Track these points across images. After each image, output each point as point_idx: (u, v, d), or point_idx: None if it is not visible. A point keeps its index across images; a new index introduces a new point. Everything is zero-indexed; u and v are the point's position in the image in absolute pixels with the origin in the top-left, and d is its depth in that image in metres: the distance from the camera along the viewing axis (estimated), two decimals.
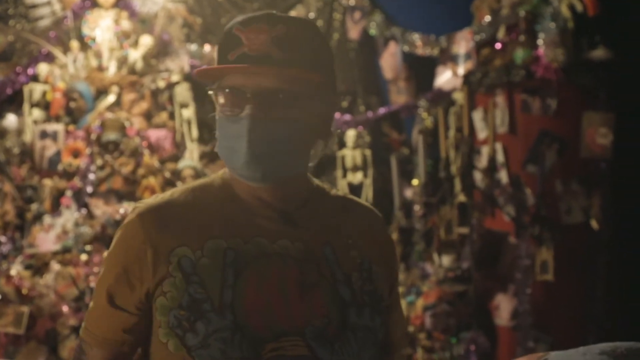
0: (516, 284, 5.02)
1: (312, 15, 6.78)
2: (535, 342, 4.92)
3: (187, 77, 6.29)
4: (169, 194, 1.65)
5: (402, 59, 6.49)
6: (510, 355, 5.06)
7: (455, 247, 5.35)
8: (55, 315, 5.25)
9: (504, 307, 5.10)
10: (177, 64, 6.33)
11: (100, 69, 6.30)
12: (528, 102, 5.07)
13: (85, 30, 6.31)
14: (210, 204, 1.63)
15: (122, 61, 6.31)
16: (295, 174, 1.61)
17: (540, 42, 5.06)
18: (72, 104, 6.22)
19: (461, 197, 5.30)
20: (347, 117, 6.56)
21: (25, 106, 6.19)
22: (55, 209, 5.89)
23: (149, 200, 1.65)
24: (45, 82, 6.23)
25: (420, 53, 6.28)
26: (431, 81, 6.16)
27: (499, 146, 5.14)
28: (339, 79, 6.40)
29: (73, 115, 6.24)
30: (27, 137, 6.13)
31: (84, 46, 6.32)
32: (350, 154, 6.42)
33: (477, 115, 5.29)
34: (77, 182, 5.96)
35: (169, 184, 5.88)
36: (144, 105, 6.27)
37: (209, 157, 6.21)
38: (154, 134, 6.22)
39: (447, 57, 6.02)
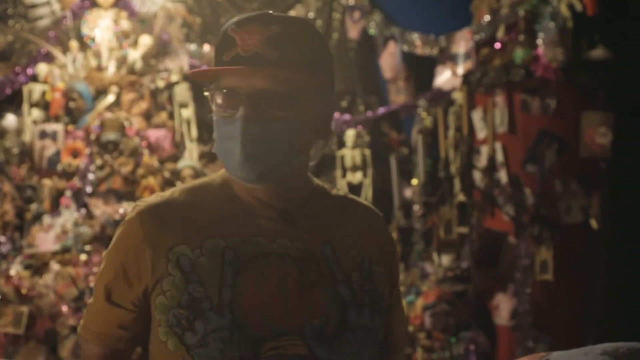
0: (516, 284, 5.03)
1: (311, 14, 6.78)
2: (534, 341, 4.92)
3: (186, 77, 6.30)
4: (169, 193, 1.66)
5: (402, 59, 6.49)
6: (510, 354, 5.06)
7: (454, 247, 5.35)
8: (54, 315, 5.25)
9: (503, 306, 5.10)
10: (177, 64, 6.33)
11: (100, 68, 6.29)
12: (527, 101, 5.07)
13: (85, 30, 6.31)
14: (209, 204, 1.63)
15: (122, 61, 6.31)
16: (292, 173, 1.61)
17: (539, 41, 5.07)
18: (72, 104, 6.22)
19: (461, 197, 5.30)
20: (347, 116, 6.56)
21: (25, 106, 6.19)
22: (55, 209, 5.89)
23: (150, 198, 1.65)
24: (45, 82, 6.23)
25: (420, 53, 6.28)
26: (430, 81, 6.16)
27: (498, 146, 5.14)
28: (339, 79, 6.42)
29: (72, 115, 6.24)
30: (27, 137, 6.13)
31: (84, 46, 6.32)
32: (350, 154, 6.42)
33: (477, 115, 5.29)
34: (76, 182, 5.96)
35: (168, 183, 5.88)
36: (143, 105, 6.27)
37: (208, 157, 6.21)
38: (154, 134, 6.22)
39: (447, 57, 6.02)
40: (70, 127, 6.17)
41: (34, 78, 6.29)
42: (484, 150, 5.21)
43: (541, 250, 4.91)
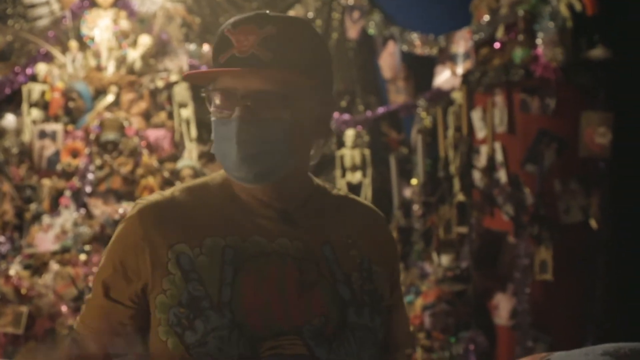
0: (515, 284, 5.03)
1: (310, 14, 6.78)
2: (534, 341, 4.92)
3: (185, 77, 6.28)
4: (169, 191, 1.66)
5: (401, 59, 6.48)
6: (510, 354, 5.06)
7: (454, 247, 5.35)
8: (54, 315, 5.25)
9: (503, 306, 5.10)
10: (176, 64, 6.32)
11: (99, 68, 6.29)
12: (527, 101, 5.07)
13: (84, 30, 6.31)
14: (209, 203, 1.64)
15: (121, 61, 6.30)
16: (291, 173, 1.61)
17: (539, 41, 5.07)
18: (71, 104, 6.21)
19: (460, 197, 5.30)
20: (346, 116, 6.55)
21: (24, 106, 6.18)
22: (54, 208, 5.88)
23: (150, 197, 1.66)
24: (44, 81, 6.22)
25: (419, 52, 6.28)
26: (430, 81, 6.16)
27: (497, 145, 5.14)
28: (338, 79, 6.42)
29: (72, 115, 6.23)
30: (26, 137, 6.12)
31: (83, 46, 6.32)
32: (349, 154, 6.41)
33: (476, 115, 5.29)
34: (76, 182, 5.96)
35: (167, 183, 5.87)
36: (142, 105, 6.27)
37: (207, 157, 6.21)
38: (153, 134, 6.21)
39: (446, 57, 6.02)
40: (70, 127, 6.17)
41: (33, 78, 6.28)
42: (484, 150, 5.21)
43: (541, 250, 4.91)
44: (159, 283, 1.56)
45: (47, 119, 6.18)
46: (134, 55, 6.29)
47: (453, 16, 5.97)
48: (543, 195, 4.97)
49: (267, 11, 1.60)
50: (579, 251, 5.00)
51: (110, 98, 6.22)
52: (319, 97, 1.61)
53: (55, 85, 6.18)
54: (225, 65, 1.57)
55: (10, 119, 6.20)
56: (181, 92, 6.26)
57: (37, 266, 5.55)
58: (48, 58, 6.31)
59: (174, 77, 6.28)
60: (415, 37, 6.25)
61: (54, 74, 6.22)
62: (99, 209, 5.86)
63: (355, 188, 6.29)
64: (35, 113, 6.16)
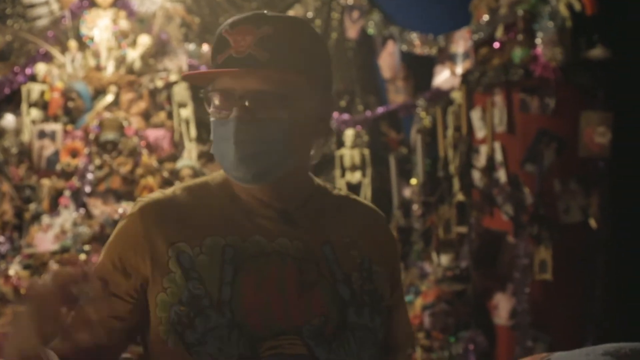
0: (515, 283, 5.03)
1: (310, 14, 6.78)
2: (534, 341, 4.92)
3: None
4: (171, 190, 1.66)
5: (401, 59, 6.48)
6: (509, 354, 5.06)
7: (453, 247, 5.35)
8: None
9: (502, 306, 5.10)
10: (176, 64, 6.33)
11: (99, 68, 6.29)
12: (526, 101, 5.07)
13: (83, 30, 6.31)
14: (210, 202, 1.64)
15: (120, 61, 6.31)
16: (290, 173, 1.61)
17: (538, 41, 5.07)
18: (70, 104, 6.21)
19: (460, 197, 5.30)
20: (346, 116, 6.55)
21: (23, 106, 6.19)
22: (54, 208, 5.89)
23: (152, 195, 1.66)
24: (43, 81, 6.23)
25: (419, 52, 6.28)
26: (429, 80, 6.16)
27: (497, 145, 5.14)
28: (337, 79, 6.41)
29: (71, 115, 6.24)
30: (25, 137, 6.13)
31: (82, 46, 6.32)
32: (349, 154, 6.41)
33: (476, 115, 5.29)
34: (75, 181, 5.96)
35: (167, 183, 5.87)
36: (142, 105, 6.27)
37: (207, 157, 6.21)
38: (152, 134, 6.21)
39: (446, 57, 6.02)
40: (69, 127, 6.17)
41: (33, 78, 6.28)
42: (483, 149, 5.21)
43: (540, 250, 4.91)
44: (159, 281, 1.56)
45: (46, 118, 6.18)
46: (133, 55, 6.29)
47: (452, 16, 5.97)
48: (542, 195, 4.97)
49: (265, 11, 1.60)
50: (579, 251, 5.00)
51: (109, 98, 6.22)
52: (318, 97, 1.61)
53: (54, 85, 6.19)
54: (222, 66, 1.57)
55: (9, 119, 6.20)
56: (180, 92, 6.26)
57: (36, 266, 5.54)
58: (47, 58, 6.31)
59: (173, 77, 6.29)
60: (414, 37, 6.25)
61: (54, 74, 6.22)
62: (99, 208, 5.86)
63: (354, 188, 6.29)
64: (35, 113, 6.17)
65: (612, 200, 5.02)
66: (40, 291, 1.37)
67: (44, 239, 5.70)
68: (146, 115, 6.30)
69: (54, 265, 5.43)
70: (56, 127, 6.12)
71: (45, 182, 5.98)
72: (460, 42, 5.89)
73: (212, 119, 1.60)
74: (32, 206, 5.94)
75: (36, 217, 5.88)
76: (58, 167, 6.05)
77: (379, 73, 6.74)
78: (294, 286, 1.57)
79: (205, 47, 6.49)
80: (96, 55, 6.30)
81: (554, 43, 4.98)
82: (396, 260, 1.78)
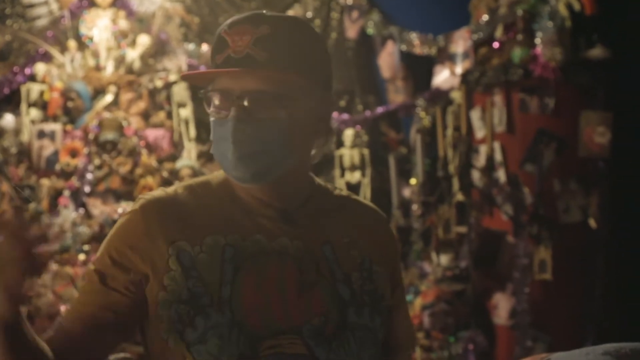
0: (514, 283, 5.03)
1: (309, 14, 6.78)
2: (533, 341, 4.92)
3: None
4: (172, 189, 1.66)
5: (400, 58, 6.48)
6: (509, 354, 5.06)
7: (453, 246, 5.35)
8: (53, 315, 5.25)
9: (502, 306, 5.10)
10: (175, 64, 6.32)
11: (98, 68, 6.29)
12: (526, 101, 5.07)
13: (83, 30, 6.30)
14: (211, 201, 1.64)
15: (120, 61, 6.30)
16: (289, 173, 1.61)
17: (537, 41, 5.07)
18: (70, 104, 6.21)
19: (459, 196, 5.30)
20: (345, 116, 6.55)
21: (23, 106, 6.18)
22: (53, 208, 5.88)
23: (153, 193, 1.65)
24: (43, 81, 6.22)
25: (418, 52, 6.27)
26: (429, 80, 6.15)
27: (497, 145, 5.14)
28: (337, 78, 6.37)
29: (71, 115, 6.23)
30: (25, 136, 6.12)
31: (82, 46, 6.31)
32: (348, 153, 6.41)
33: (475, 115, 5.29)
34: (74, 181, 5.96)
35: (166, 183, 5.86)
36: (141, 105, 6.27)
37: (206, 157, 6.21)
38: (152, 134, 6.21)
39: (445, 56, 6.01)
40: (69, 127, 6.16)
41: (32, 78, 6.27)
42: (483, 149, 5.21)
43: (540, 250, 4.91)
44: (159, 279, 1.56)
45: (45, 118, 6.17)
46: (132, 55, 6.29)
47: (452, 16, 5.96)
48: (542, 194, 4.97)
49: (264, 11, 1.60)
50: (578, 251, 5.01)
51: (109, 98, 6.21)
52: (318, 96, 1.61)
53: (54, 85, 6.18)
54: (221, 66, 1.57)
55: (9, 119, 6.20)
56: (180, 91, 6.26)
57: None
58: (47, 58, 6.30)
59: (172, 77, 6.28)
60: (414, 36, 6.25)
61: (53, 74, 6.22)
62: (98, 208, 5.86)
63: (354, 188, 6.29)
64: (34, 113, 6.16)
65: (611, 200, 5.02)
66: None
67: None
68: (145, 115, 6.29)
69: (53, 265, 5.43)
70: (55, 127, 6.12)
71: (45, 182, 5.98)
72: (460, 42, 5.88)
73: (211, 119, 1.60)
74: (32, 206, 5.93)
75: (35, 217, 5.87)
76: (57, 167, 6.04)
77: (379, 73, 6.74)
78: (294, 286, 1.57)
79: (205, 47, 6.49)
80: (95, 55, 6.29)
81: (553, 43, 4.98)
82: (397, 260, 1.78)
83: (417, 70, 6.43)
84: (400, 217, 5.96)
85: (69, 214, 5.79)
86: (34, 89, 6.18)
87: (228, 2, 6.79)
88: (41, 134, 6.10)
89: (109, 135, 6.05)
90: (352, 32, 6.73)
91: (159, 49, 6.37)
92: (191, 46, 6.51)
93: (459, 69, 5.73)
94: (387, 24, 6.51)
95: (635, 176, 4.96)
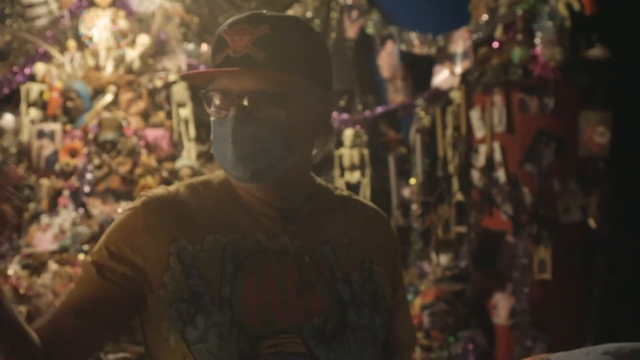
0: (514, 283, 5.03)
1: (309, 14, 6.78)
2: (533, 341, 4.92)
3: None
4: (174, 187, 1.66)
5: (400, 58, 6.47)
6: (508, 354, 5.06)
7: (453, 246, 5.35)
8: None
9: (501, 306, 5.10)
10: (175, 64, 6.32)
11: (98, 68, 6.28)
12: (525, 101, 5.07)
13: (82, 30, 6.30)
14: (212, 200, 1.64)
15: (119, 60, 6.30)
16: (289, 172, 1.61)
17: (537, 40, 5.07)
18: (70, 104, 6.20)
19: (459, 196, 5.30)
20: (345, 116, 6.55)
21: (22, 106, 6.18)
22: (53, 208, 5.88)
23: (155, 190, 1.65)
24: (43, 81, 6.22)
25: (418, 52, 6.27)
26: (428, 80, 6.15)
27: (496, 145, 5.14)
28: (336, 78, 6.36)
29: (70, 115, 6.23)
30: (24, 136, 6.12)
31: (81, 45, 6.31)
32: (348, 153, 6.41)
33: (475, 114, 5.29)
34: (74, 181, 5.96)
35: (166, 183, 5.81)
36: (141, 105, 6.27)
37: (206, 157, 6.20)
38: (152, 134, 6.21)
39: (445, 56, 6.01)
40: (68, 127, 6.16)
41: (32, 77, 6.27)
42: (482, 149, 5.21)
43: (539, 250, 4.91)
44: (159, 277, 1.56)
45: (45, 118, 6.17)
46: (132, 54, 6.29)
47: (451, 16, 5.96)
48: (542, 194, 4.97)
49: (264, 11, 1.61)
50: (578, 251, 5.01)
51: (108, 98, 6.21)
52: (317, 96, 1.61)
53: (53, 85, 6.18)
54: (221, 66, 1.58)
55: (8, 119, 6.19)
56: (180, 91, 6.26)
57: (35, 266, 5.54)
58: (46, 58, 6.30)
59: (172, 77, 6.28)
60: (413, 36, 6.25)
61: (53, 74, 6.21)
62: (98, 208, 5.86)
63: (353, 188, 6.29)
64: (34, 113, 6.16)
65: (611, 200, 5.02)
66: None
67: (43, 238, 5.69)
68: (145, 115, 6.29)
69: (53, 265, 5.43)
70: (55, 126, 6.11)
71: (45, 182, 5.98)
72: (460, 42, 5.88)
73: (212, 118, 1.61)
74: (31, 206, 5.93)
75: (35, 217, 5.87)
76: (57, 166, 6.04)
77: (378, 73, 6.73)
78: (294, 285, 1.58)
79: (204, 47, 6.49)
80: (95, 55, 6.29)
81: (553, 43, 4.98)
82: (398, 260, 1.78)
83: (417, 70, 6.43)
84: (400, 217, 5.96)
85: (68, 213, 5.79)
86: (34, 88, 6.18)
87: (227, 2, 6.78)
88: (41, 134, 6.10)
89: (108, 135, 6.05)
90: (351, 31, 6.72)
91: (159, 49, 6.37)
92: (191, 46, 6.51)
93: (458, 69, 5.73)
94: (387, 23, 6.51)
95: (634, 176, 4.97)
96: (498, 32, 5.35)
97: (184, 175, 5.90)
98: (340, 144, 6.45)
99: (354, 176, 6.39)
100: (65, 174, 6.02)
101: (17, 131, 6.17)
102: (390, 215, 6.00)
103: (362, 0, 6.65)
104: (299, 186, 1.66)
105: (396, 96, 6.59)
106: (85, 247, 5.59)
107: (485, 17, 5.44)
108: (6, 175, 1.40)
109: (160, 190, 1.65)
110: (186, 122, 6.25)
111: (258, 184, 1.60)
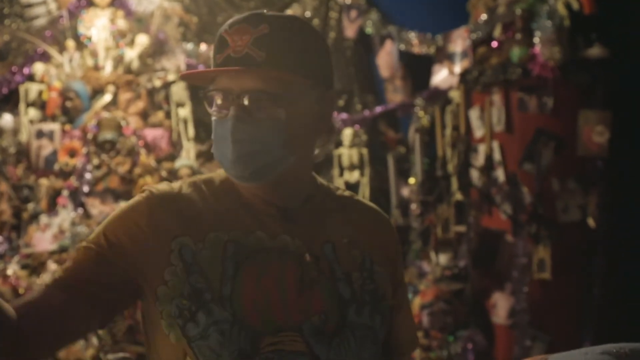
0: (513, 283, 5.03)
1: (308, 14, 6.78)
2: (532, 340, 4.92)
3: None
4: (177, 184, 1.67)
5: (399, 58, 6.48)
6: (508, 353, 5.06)
7: (452, 246, 5.35)
8: None
9: (501, 305, 5.10)
10: (173, 63, 6.32)
11: (97, 68, 6.28)
12: (524, 100, 5.07)
13: (81, 30, 6.30)
14: (213, 199, 1.64)
15: (118, 60, 6.30)
16: (289, 172, 1.61)
17: (536, 40, 5.07)
18: (68, 104, 6.20)
19: (458, 196, 5.30)
20: (344, 115, 6.55)
21: (21, 106, 6.18)
22: (52, 208, 5.88)
23: (159, 186, 1.65)
24: (41, 81, 6.22)
25: (417, 51, 6.27)
26: (427, 80, 6.15)
27: (495, 144, 5.14)
28: (335, 78, 6.36)
29: (69, 115, 6.23)
30: (23, 136, 6.12)
31: (80, 45, 6.31)
32: (347, 153, 6.41)
33: (474, 114, 5.29)
34: (73, 181, 5.96)
35: None
36: (140, 105, 6.27)
37: (205, 156, 6.21)
38: (151, 133, 6.21)
39: (444, 56, 6.02)
40: (67, 127, 6.16)
41: (31, 77, 6.27)
42: (481, 149, 5.21)
43: (539, 249, 4.91)
44: (160, 273, 1.56)
45: (44, 118, 6.17)
46: (131, 54, 6.29)
47: (450, 15, 5.96)
48: (541, 194, 4.97)
49: (265, 10, 1.61)
50: (577, 250, 5.01)
51: (107, 97, 6.21)
52: (318, 95, 1.62)
53: (52, 85, 6.18)
54: (221, 66, 1.58)
55: (7, 119, 6.19)
56: (179, 91, 6.26)
57: (34, 266, 5.54)
58: (45, 57, 6.30)
59: (171, 77, 6.28)
60: (412, 36, 6.25)
61: (51, 74, 6.21)
62: (97, 208, 5.86)
63: (353, 187, 6.29)
64: (33, 113, 6.16)
65: (610, 200, 5.02)
66: None
67: (42, 238, 5.69)
68: (144, 115, 6.29)
69: (52, 265, 5.43)
70: (54, 126, 6.11)
71: (44, 182, 5.98)
72: (459, 42, 5.88)
73: (213, 118, 1.61)
74: (30, 206, 5.93)
75: (34, 217, 5.87)
76: (56, 166, 6.04)
77: (377, 72, 6.74)
78: (294, 284, 1.58)
79: (203, 47, 6.49)
80: (94, 54, 6.29)
81: (552, 42, 4.98)
82: (399, 260, 1.78)
83: (416, 70, 6.43)
84: (399, 217, 5.96)
85: (67, 213, 5.79)
86: (33, 88, 6.18)
87: (226, 1, 6.78)
88: (40, 134, 6.10)
89: (107, 135, 6.05)
90: (350, 31, 6.73)
91: (158, 49, 6.37)
92: (190, 46, 6.51)
93: (457, 68, 5.74)
94: (386, 23, 6.51)
95: (634, 175, 4.97)
96: (497, 31, 5.35)
97: (183, 175, 5.90)
98: (339, 143, 6.46)
99: (353, 176, 6.39)
100: (65, 174, 6.02)
101: (16, 131, 6.16)
102: (389, 214, 6.00)
103: (361, 0, 6.65)
104: (299, 185, 1.66)
105: (395, 96, 6.59)
106: None
107: (484, 16, 5.45)
108: None
109: (164, 186, 1.66)
110: (185, 121, 6.25)
111: (258, 183, 1.60)
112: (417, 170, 5.84)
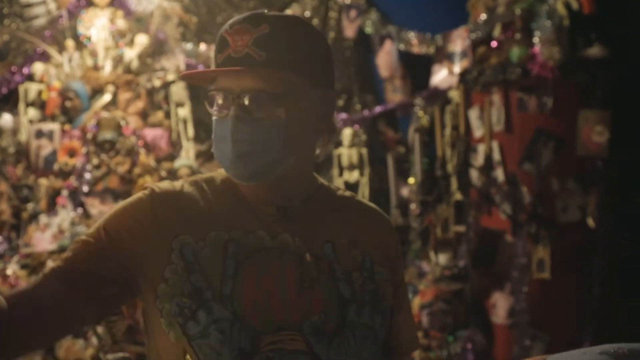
0: (513, 282, 5.03)
1: (307, 13, 6.78)
2: (532, 340, 4.92)
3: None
4: (179, 183, 1.67)
5: (398, 58, 6.48)
6: (507, 353, 5.06)
7: (451, 246, 5.35)
8: None
9: (500, 305, 5.10)
10: (173, 63, 6.32)
11: (96, 68, 6.29)
12: (524, 100, 5.07)
13: (81, 29, 6.30)
14: (215, 198, 1.65)
15: (118, 60, 6.30)
16: (289, 171, 1.61)
17: (536, 40, 5.06)
18: (68, 103, 6.20)
19: (457, 196, 5.30)
20: (343, 115, 6.55)
21: (21, 105, 6.18)
22: (52, 208, 5.88)
23: (162, 184, 1.66)
24: (41, 81, 6.22)
25: (416, 51, 6.27)
26: (427, 79, 6.15)
27: (495, 144, 5.14)
28: (335, 77, 6.36)
29: (69, 115, 6.23)
30: (23, 136, 6.12)
31: (80, 45, 6.31)
32: (347, 153, 6.41)
33: (473, 114, 5.29)
34: (73, 181, 5.96)
35: None
36: (139, 105, 6.27)
37: (205, 156, 6.21)
38: (150, 133, 6.21)
39: (443, 56, 6.02)
40: (67, 127, 6.16)
41: (30, 77, 6.28)
42: (481, 148, 5.21)
43: (538, 249, 4.91)
44: (161, 272, 1.56)
45: (44, 118, 6.17)
46: (130, 54, 6.29)
47: (450, 15, 5.96)
48: (540, 194, 4.97)
49: (265, 10, 1.61)
50: (577, 250, 5.00)
51: (107, 97, 6.21)
52: (318, 95, 1.62)
53: (52, 85, 6.18)
54: (221, 65, 1.59)
55: (7, 119, 6.20)
56: (178, 91, 6.26)
57: (34, 266, 5.54)
58: (45, 57, 6.30)
59: (170, 77, 6.28)
60: (412, 36, 6.25)
61: (51, 74, 6.21)
62: (96, 208, 5.85)
63: (352, 187, 6.29)
64: (32, 112, 6.16)
65: (610, 199, 5.02)
66: None
67: (42, 238, 5.69)
68: (144, 115, 6.29)
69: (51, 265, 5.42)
70: (54, 126, 6.12)
71: (43, 182, 5.98)
72: (458, 41, 5.88)
73: (214, 118, 1.61)
74: (30, 206, 5.93)
75: (34, 217, 5.87)
76: (56, 166, 6.04)
77: (377, 72, 6.74)
78: (295, 283, 1.58)
79: (203, 47, 6.49)
80: (93, 54, 6.29)
81: (551, 42, 4.98)
82: (399, 261, 1.78)
83: (415, 70, 6.43)
84: (399, 217, 5.96)
85: (67, 213, 5.79)
86: (32, 88, 6.18)
87: (226, 1, 6.79)
88: (39, 134, 6.10)
89: (107, 134, 6.05)
90: (350, 31, 6.73)
91: (157, 49, 6.37)
92: (189, 45, 6.51)
93: (457, 68, 5.74)
94: (385, 23, 6.51)
95: (633, 175, 4.97)
96: (496, 31, 5.35)
97: (182, 175, 5.90)
98: (338, 143, 6.46)
99: (353, 175, 6.39)
100: (64, 174, 6.02)
101: (15, 131, 6.17)
102: (389, 214, 5.99)
103: (360, 0, 6.65)
104: (299, 185, 1.67)
105: (395, 95, 6.59)
106: None
107: (483, 16, 5.45)
108: None
109: (166, 184, 1.66)
110: (185, 121, 6.26)
111: (258, 183, 1.61)
112: (416, 170, 5.84)
